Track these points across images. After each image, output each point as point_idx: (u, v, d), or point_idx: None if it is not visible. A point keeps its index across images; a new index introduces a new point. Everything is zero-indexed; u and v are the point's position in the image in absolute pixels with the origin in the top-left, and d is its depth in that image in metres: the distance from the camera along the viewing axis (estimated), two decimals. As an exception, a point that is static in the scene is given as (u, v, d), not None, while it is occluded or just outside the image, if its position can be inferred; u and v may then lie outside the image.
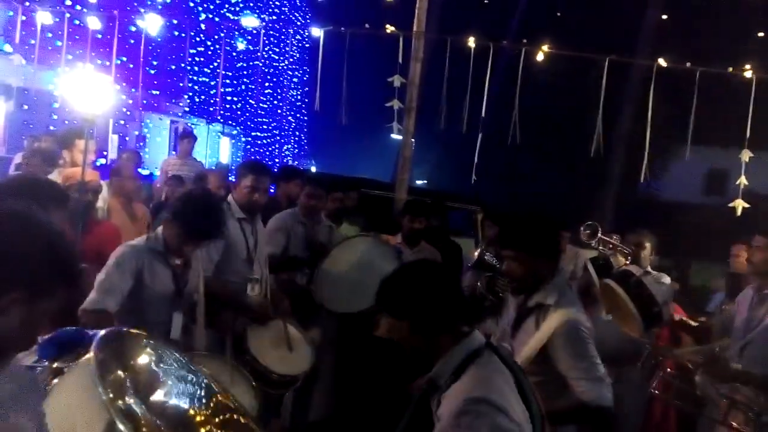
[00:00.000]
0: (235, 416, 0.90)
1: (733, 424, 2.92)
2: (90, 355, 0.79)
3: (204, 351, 2.85)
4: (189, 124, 14.32)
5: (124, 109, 11.18)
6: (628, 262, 4.40)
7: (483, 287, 3.66)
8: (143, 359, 0.81)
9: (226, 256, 3.35)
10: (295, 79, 23.13)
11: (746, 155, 5.45)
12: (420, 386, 1.81)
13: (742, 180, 5.45)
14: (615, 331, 3.67)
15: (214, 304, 3.11)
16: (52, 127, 9.67)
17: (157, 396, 0.78)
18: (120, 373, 0.76)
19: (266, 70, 19.64)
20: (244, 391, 2.60)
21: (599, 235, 4.62)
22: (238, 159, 18.16)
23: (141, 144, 12.51)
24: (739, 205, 5.41)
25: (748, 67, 5.58)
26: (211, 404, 0.85)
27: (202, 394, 0.85)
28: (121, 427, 0.68)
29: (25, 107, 9.89)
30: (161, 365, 0.82)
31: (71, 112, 10.01)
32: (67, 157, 3.82)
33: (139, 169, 6.35)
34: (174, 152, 12.80)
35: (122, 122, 12.19)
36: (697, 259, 8.78)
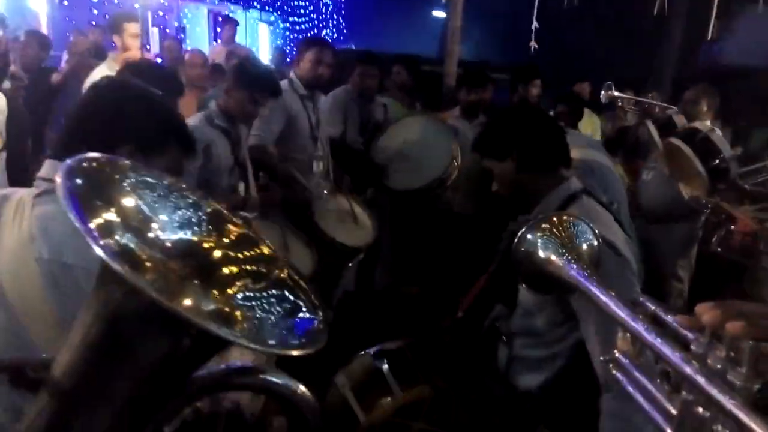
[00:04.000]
0: (251, 240, 0.77)
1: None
2: (58, 182, 0.62)
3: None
4: (226, 12, 13.98)
5: (162, 0, 10.97)
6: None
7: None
8: (129, 191, 0.68)
9: (289, 132, 3.41)
10: (329, -43, 21.97)
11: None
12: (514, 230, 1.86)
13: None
14: (659, 189, 3.64)
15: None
16: (93, 22, 9.64)
17: (153, 231, 0.68)
18: (106, 210, 0.64)
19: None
20: (300, 255, 2.71)
21: (611, 92, 4.42)
22: (277, 46, 17.77)
23: (182, 35, 12.36)
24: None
25: None
26: (220, 228, 0.75)
27: (206, 219, 0.75)
28: (116, 266, 0.57)
29: (65, 2, 9.83)
30: (151, 194, 0.71)
31: (110, 5, 9.94)
32: (118, 42, 3.80)
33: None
34: (215, 42, 12.64)
35: (161, 14, 12.00)
36: (760, 127, 8.40)
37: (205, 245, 0.73)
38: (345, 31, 24.70)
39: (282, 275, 0.75)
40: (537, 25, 5.21)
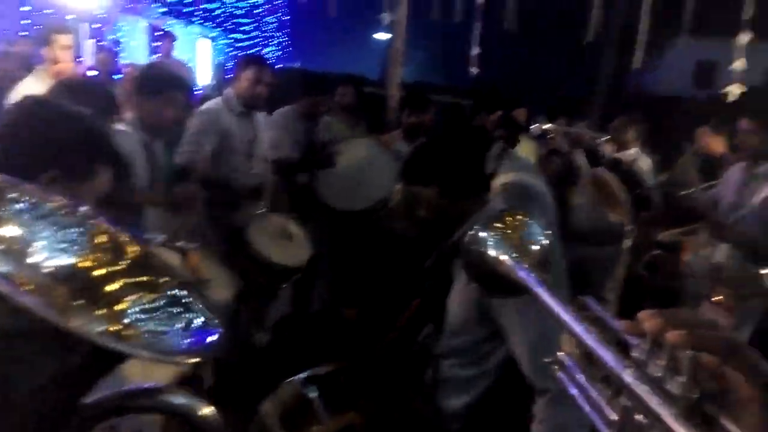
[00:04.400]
0: (141, 255, 0.75)
1: (715, 298, 3.08)
2: None
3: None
4: (165, 26, 13.72)
5: (101, 12, 10.68)
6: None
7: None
8: (10, 216, 0.66)
9: (222, 150, 3.34)
10: (273, -25, 21.94)
11: (744, 38, 5.17)
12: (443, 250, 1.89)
13: (739, 64, 5.22)
14: (589, 214, 3.77)
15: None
16: (22, 33, 9.26)
17: (35, 255, 0.65)
18: None
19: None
20: (222, 285, 2.62)
21: (541, 125, 4.55)
22: (218, 62, 17.55)
23: (118, 49, 12.02)
24: (734, 90, 5.23)
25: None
26: (101, 247, 0.72)
27: (92, 238, 0.72)
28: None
29: (-6, 12, 9.42)
30: (32, 216, 0.68)
31: (42, 16, 9.59)
32: (48, 54, 3.64)
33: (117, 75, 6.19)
34: (153, 56, 12.35)
35: (97, 26, 11.67)
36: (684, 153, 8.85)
37: (90, 264, 0.70)
38: (289, 49, 24.67)
39: (174, 286, 0.73)
40: (479, 50, 5.34)
